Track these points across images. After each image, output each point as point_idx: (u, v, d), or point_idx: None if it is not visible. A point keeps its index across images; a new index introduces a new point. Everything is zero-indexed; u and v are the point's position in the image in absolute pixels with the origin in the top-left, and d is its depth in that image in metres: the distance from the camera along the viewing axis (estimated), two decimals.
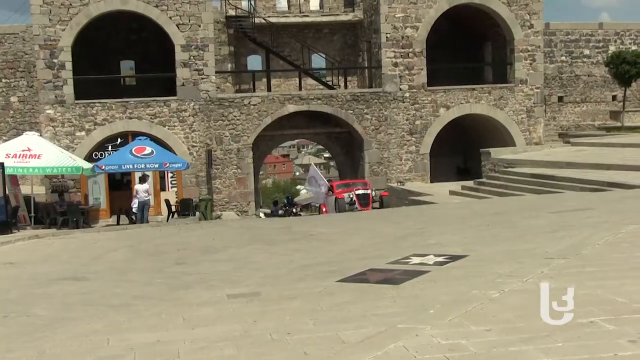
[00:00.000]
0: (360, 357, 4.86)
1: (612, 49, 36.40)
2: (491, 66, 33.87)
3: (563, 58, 37.06)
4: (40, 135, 24.55)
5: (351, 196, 26.82)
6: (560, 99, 37.27)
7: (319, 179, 30.90)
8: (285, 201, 34.75)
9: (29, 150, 21.61)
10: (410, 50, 30.34)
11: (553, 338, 4.92)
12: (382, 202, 27.79)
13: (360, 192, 27.11)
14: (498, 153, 27.95)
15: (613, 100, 37.84)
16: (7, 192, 19.88)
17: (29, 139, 22.45)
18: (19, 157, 21.29)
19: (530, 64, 31.23)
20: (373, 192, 27.82)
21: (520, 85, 31.17)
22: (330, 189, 28.95)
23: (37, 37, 27.31)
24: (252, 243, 14.35)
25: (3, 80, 32.64)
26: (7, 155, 21.04)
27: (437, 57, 31.20)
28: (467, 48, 34.15)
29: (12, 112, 32.63)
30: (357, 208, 26.31)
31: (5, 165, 19.96)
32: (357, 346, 5.19)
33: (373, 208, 26.97)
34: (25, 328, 7.52)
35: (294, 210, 32.45)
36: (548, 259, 7.92)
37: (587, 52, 37.35)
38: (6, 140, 26.57)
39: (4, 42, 32.61)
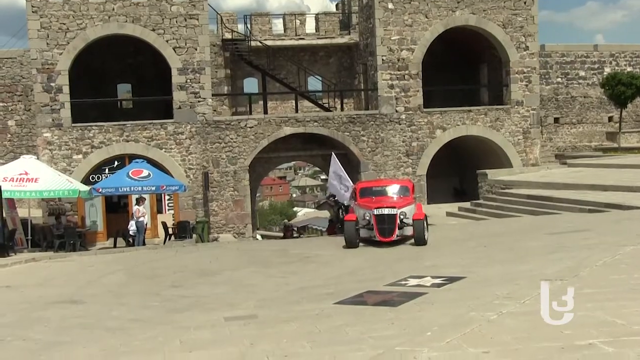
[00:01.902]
0: None
1: (607, 70, 36.64)
2: (487, 88, 33.99)
3: (559, 79, 37.26)
4: (38, 159, 24.55)
5: (367, 217, 16.15)
6: (556, 120, 37.42)
7: (342, 174, 20.13)
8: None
9: (26, 173, 21.62)
10: (406, 72, 30.45)
11: None
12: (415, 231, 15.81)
13: (384, 211, 15.98)
14: (495, 174, 28.03)
15: (609, 121, 38.00)
16: (4, 216, 19.83)
17: (26, 163, 22.47)
18: (16, 180, 21.28)
19: (526, 85, 31.35)
20: (404, 213, 16.16)
21: (516, 106, 31.26)
22: (354, 195, 18.19)
23: (35, 61, 27.38)
24: (249, 265, 14.32)
25: (0, 104, 32.75)
26: (4, 179, 21.00)
27: (433, 79, 31.29)
28: (463, 70, 34.29)
29: (9, 135, 32.71)
30: (374, 237, 15.96)
31: (2, 188, 19.93)
32: None
33: (398, 238, 16.03)
34: (22, 352, 7.47)
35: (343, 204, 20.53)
36: (546, 280, 7.90)
37: (582, 73, 37.57)
38: (3, 164, 26.57)
39: (1, 67, 32.78)
